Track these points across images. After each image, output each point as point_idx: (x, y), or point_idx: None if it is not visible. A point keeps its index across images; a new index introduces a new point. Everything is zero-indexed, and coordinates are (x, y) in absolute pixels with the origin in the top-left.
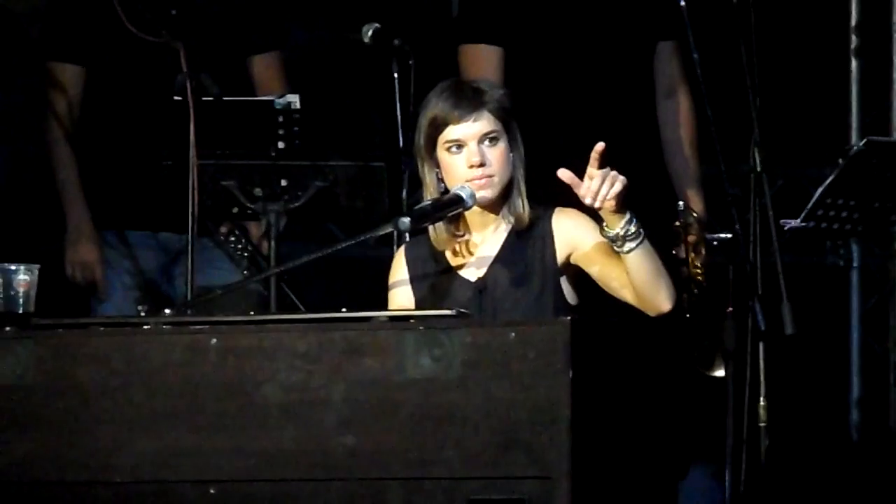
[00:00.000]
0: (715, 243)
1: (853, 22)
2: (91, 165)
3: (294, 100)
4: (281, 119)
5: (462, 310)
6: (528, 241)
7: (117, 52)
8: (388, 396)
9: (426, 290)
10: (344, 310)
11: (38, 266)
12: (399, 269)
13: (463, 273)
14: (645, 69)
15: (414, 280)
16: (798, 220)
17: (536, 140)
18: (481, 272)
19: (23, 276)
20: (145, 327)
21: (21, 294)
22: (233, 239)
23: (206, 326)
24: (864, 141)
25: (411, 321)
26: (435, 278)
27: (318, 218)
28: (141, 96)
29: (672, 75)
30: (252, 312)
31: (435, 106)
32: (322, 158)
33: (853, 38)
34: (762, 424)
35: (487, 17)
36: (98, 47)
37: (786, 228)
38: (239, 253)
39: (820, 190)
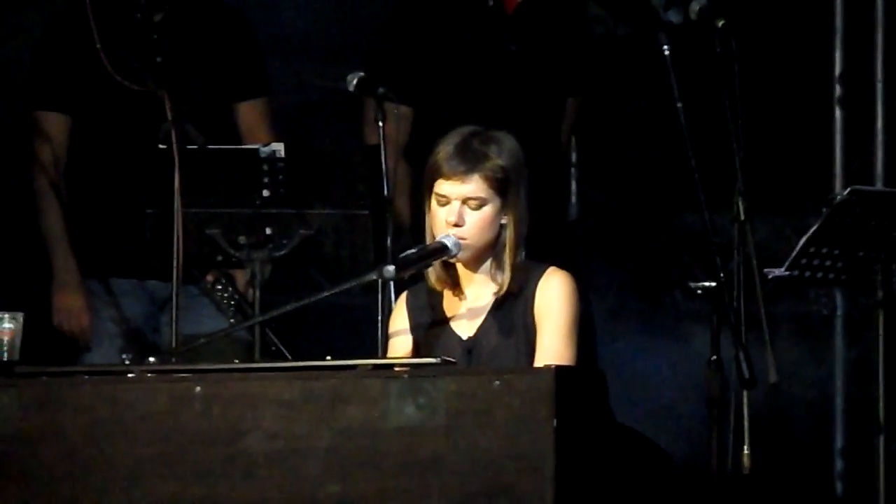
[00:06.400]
0: (699, 292)
1: (837, 71)
2: (76, 213)
3: (279, 148)
4: (265, 167)
5: (447, 358)
6: (515, 300)
7: (102, 101)
8: (373, 445)
9: (422, 341)
10: (329, 358)
11: (22, 314)
12: (400, 318)
13: (455, 327)
14: (553, 124)
15: (414, 329)
16: (782, 269)
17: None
18: (472, 330)
19: (7, 325)
20: (129, 376)
21: (5, 342)
22: (219, 287)
23: (191, 375)
24: (848, 190)
25: (396, 370)
26: (430, 329)
27: (303, 266)
28: (126, 144)
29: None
30: (237, 360)
31: (438, 153)
32: (307, 206)
33: (837, 87)
34: (746, 473)
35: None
36: (83, 96)
37: (770, 277)
38: (225, 301)
39: (804, 239)
